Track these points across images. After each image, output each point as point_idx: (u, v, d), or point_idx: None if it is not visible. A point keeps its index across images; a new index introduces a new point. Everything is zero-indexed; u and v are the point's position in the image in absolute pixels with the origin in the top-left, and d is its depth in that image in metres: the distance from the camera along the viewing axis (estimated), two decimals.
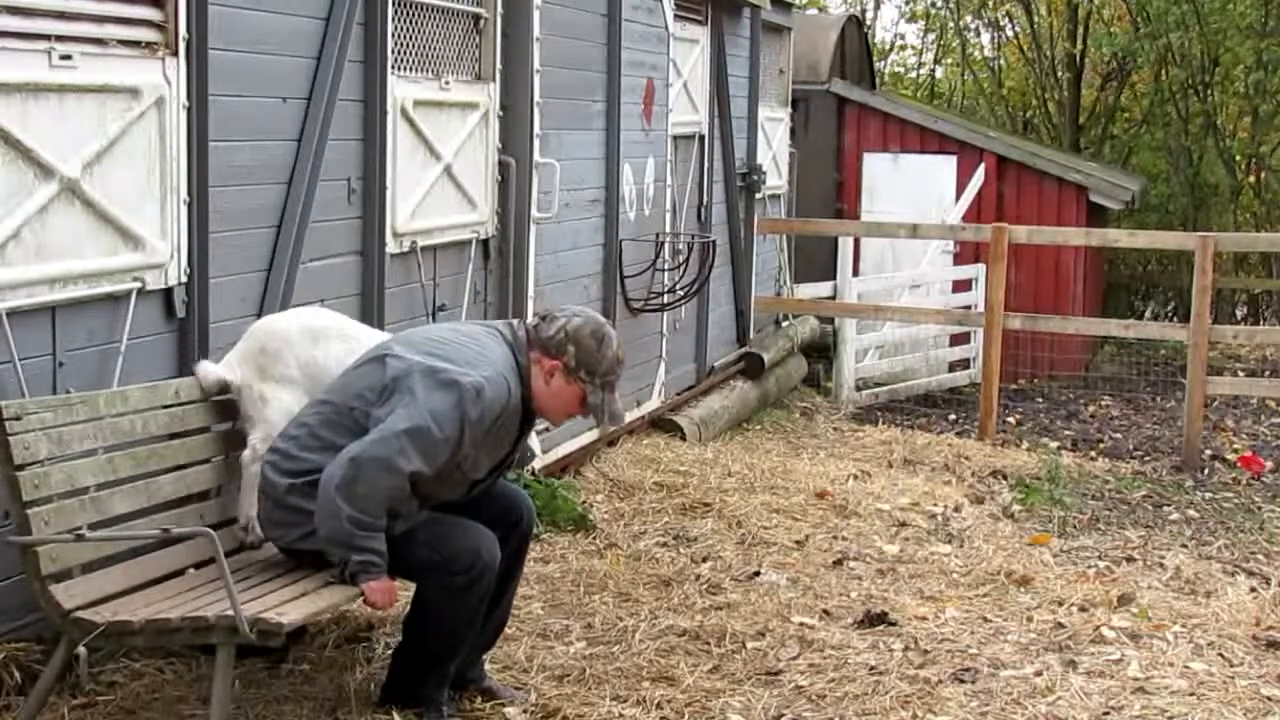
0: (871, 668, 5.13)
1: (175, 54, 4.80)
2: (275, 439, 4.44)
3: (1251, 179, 20.93)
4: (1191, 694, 5.01)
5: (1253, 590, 6.55)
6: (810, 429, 10.99)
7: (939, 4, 25.65)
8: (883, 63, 26.06)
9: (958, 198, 14.79)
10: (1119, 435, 11.52)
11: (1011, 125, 23.44)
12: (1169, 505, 8.60)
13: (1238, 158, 20.78)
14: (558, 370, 4.37)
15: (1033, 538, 7.45)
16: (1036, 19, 23.49)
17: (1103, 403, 13.03)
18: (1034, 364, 13.29)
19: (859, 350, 12.50)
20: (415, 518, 4.31)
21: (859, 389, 12.47)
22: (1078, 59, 22.38)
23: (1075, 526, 8.08)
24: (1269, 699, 4.99)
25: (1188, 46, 20.18)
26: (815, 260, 13.92)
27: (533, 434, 7.31)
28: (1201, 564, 7.03)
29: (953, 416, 12.15)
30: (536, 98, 7.29)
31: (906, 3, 26.35)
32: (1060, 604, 5.95)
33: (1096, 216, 15.15)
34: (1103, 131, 22.85)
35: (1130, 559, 7.27)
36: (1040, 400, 13.21)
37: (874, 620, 5.65)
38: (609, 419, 4.47)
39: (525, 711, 4.66)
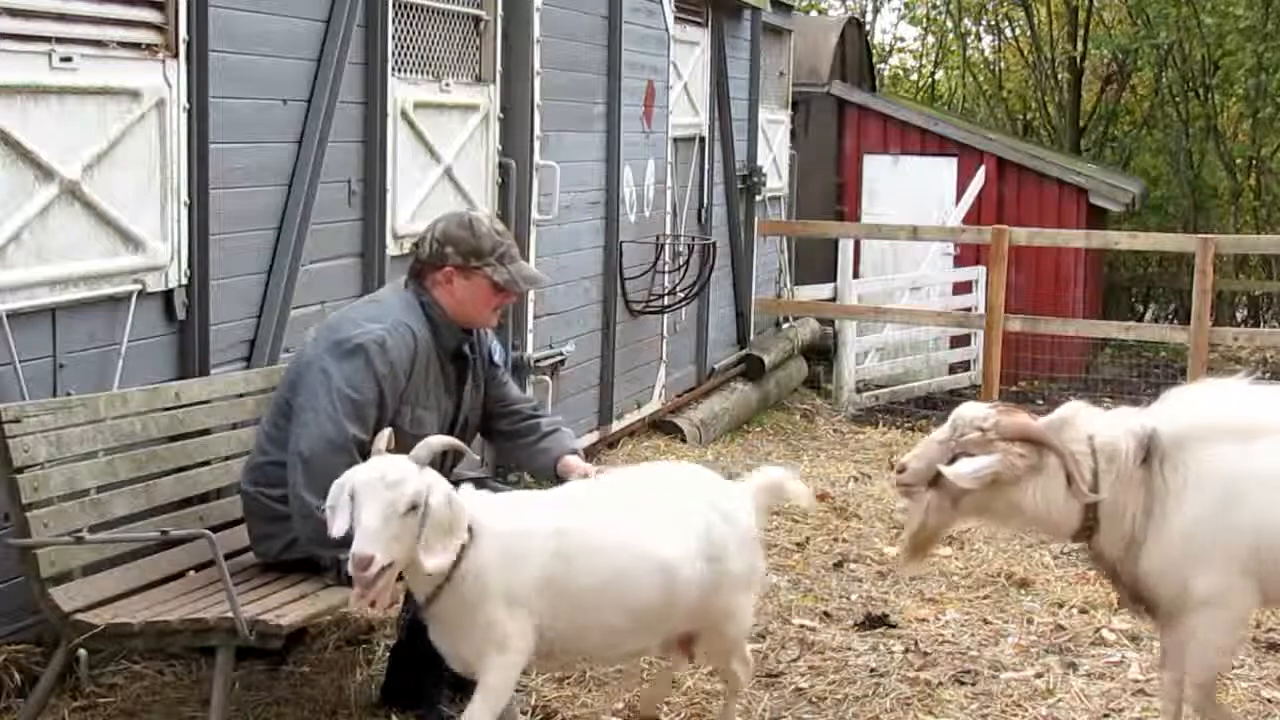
0: (872, 670, 5.13)
1: (175, 56, 4.80)
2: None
3: (1252, 181, 20.93)
4: None
5: None
6: (811, 431, 10.98)
7: (939, 5, 25.66)
8: (883, 65, 26.07)
9: (958, 200, 14.79)
10: None
11: (1011, 127, 23.44)
12: None
13: (1238, 160, 20.79)
14: (453, 275, 4.32)
15: None
16: (1036, 21, 23.50)
17: (1103, 405, 13.00)
18: (1034, 366, 13.28)
19: (859, 352, 12.50)
20: None
21: (859, 391, 12.47)
22: (1078, 61, 22.39)
23: None
24: (1269, 701, 4.99)
25: (1188, 49, 20.19)
26: (815, 262, 13.92)
27: None
28: None
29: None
30: (537, 100, 7.30)
31: (906, 6, 26.38)
32: (1061, 606, 5.95)
33: (1097, 218, 15.15)
34: (1103, 134, 22.87)
35: None
36: (1040, 402, 13.17)
37: (874, 622, 5.64)
38: (524, 283, 4.43)
39: (524, 712, 4.66)
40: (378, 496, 3.48)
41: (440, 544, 3.55)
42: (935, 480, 4.07)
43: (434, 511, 3.53)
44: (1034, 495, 4.04)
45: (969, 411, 4.11)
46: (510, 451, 4.77)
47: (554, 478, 4.55)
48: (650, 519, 3.94)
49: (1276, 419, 4.07)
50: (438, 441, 3.67)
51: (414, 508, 3.48)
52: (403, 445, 4.31)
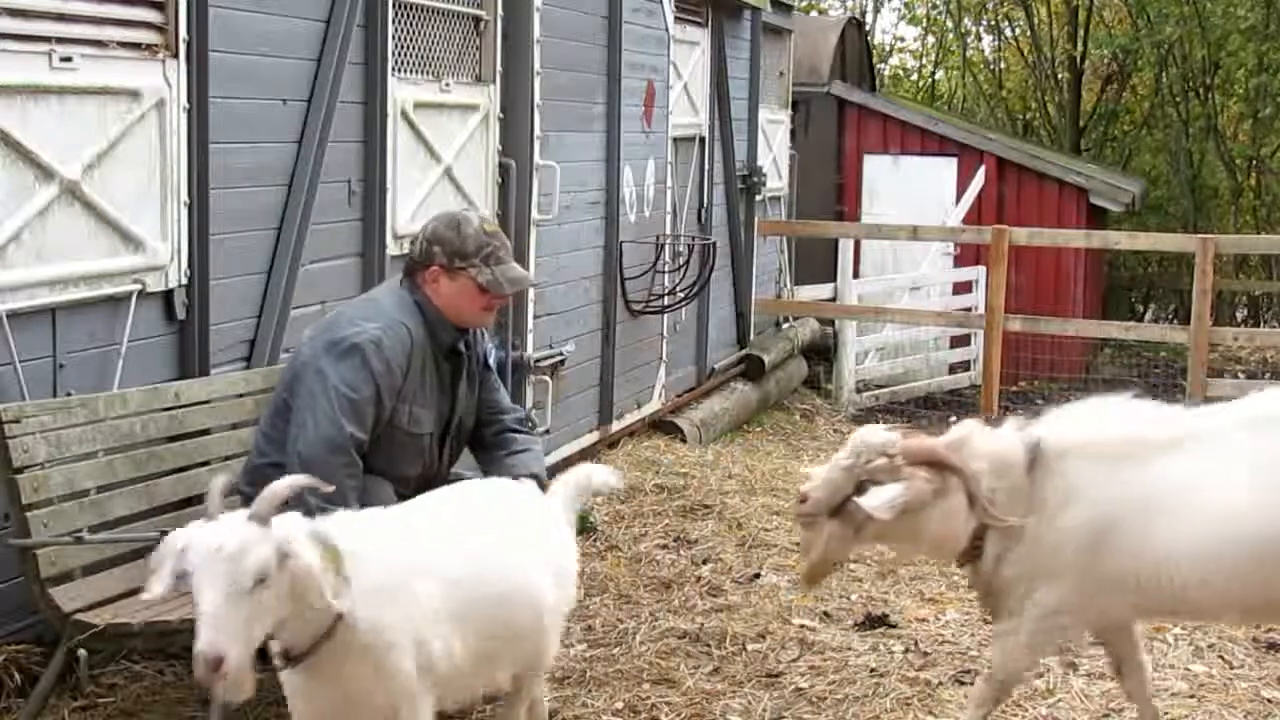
0: (872, 670, 5.13)
1: (175, 56, 4.80)
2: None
3: (1252, 181, 20.93)
4: (1192, 696, 5.01)
5: None
6: (811, 431, 10.98)
7: (939, 5, 25.66)
8: (883, 65, 26.07)
9: (958, 200, 14.79)
10: None
11: (1011, 127, 23.44)
12: None
13: (1238, 160, 20.79)
14: (439, 275, 4.33)
15: None
16: (1036, 21, 23.50)
17: None
18: (1034, 366, 13.28)
19: (859, 352, 12.50)
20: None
21: (859, 391, 12.47)
22: (1078, 61, 22.39)
23: None
24: (1269, 701, 4.99)
25: (1189, 48, 20.20)
26: (815, 262, 13.92)
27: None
28: None
29: (953, 418, 12.08)
30: (537, 100, 7.30)
31: (906, 6, 26.38)
32: None
33: (1097, 218, 15.15)
34: (1103, 133, 22.87)
35: None
36: (1040, 402, 13.16)
37: (874, 622, 5.64)
38: (508, 286, 4.38)
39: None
40: (217, 575, 2.95)
41: (317, 601, 3.07)
42: (838, 510, 3.99)
43: (300, 569, 3.04)
44: (937, 519, 3.98)
45: (872, 437, 4.02)
46: (477, 457, 4.75)
47: None
48: (511, 542, 3.72)
49: (1160, 439, 4.03)
50: (282, 487, 3.12)
51: (262, 580, 2.97)
52: (401, 444, 4.33)
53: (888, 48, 27.57)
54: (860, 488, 3.94)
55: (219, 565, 2.93)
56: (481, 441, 4.67)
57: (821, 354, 12.90)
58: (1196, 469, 3.95)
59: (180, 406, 4.61)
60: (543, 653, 3.86)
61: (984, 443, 4.06)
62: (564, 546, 3.96)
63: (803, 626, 5.62)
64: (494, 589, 3.57)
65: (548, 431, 7.61)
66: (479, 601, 3.49)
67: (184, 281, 4.92)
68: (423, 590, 3.34)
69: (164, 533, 4.14)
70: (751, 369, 11.19)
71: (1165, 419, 4.15)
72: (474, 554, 3.57)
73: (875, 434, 4.05)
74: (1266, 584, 3.91)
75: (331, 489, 3.37)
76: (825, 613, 5.82)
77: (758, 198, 11.44)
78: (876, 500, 3.88)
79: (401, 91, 6.18)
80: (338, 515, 3.37)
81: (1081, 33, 22.04)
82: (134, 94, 4.64)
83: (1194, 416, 4.18)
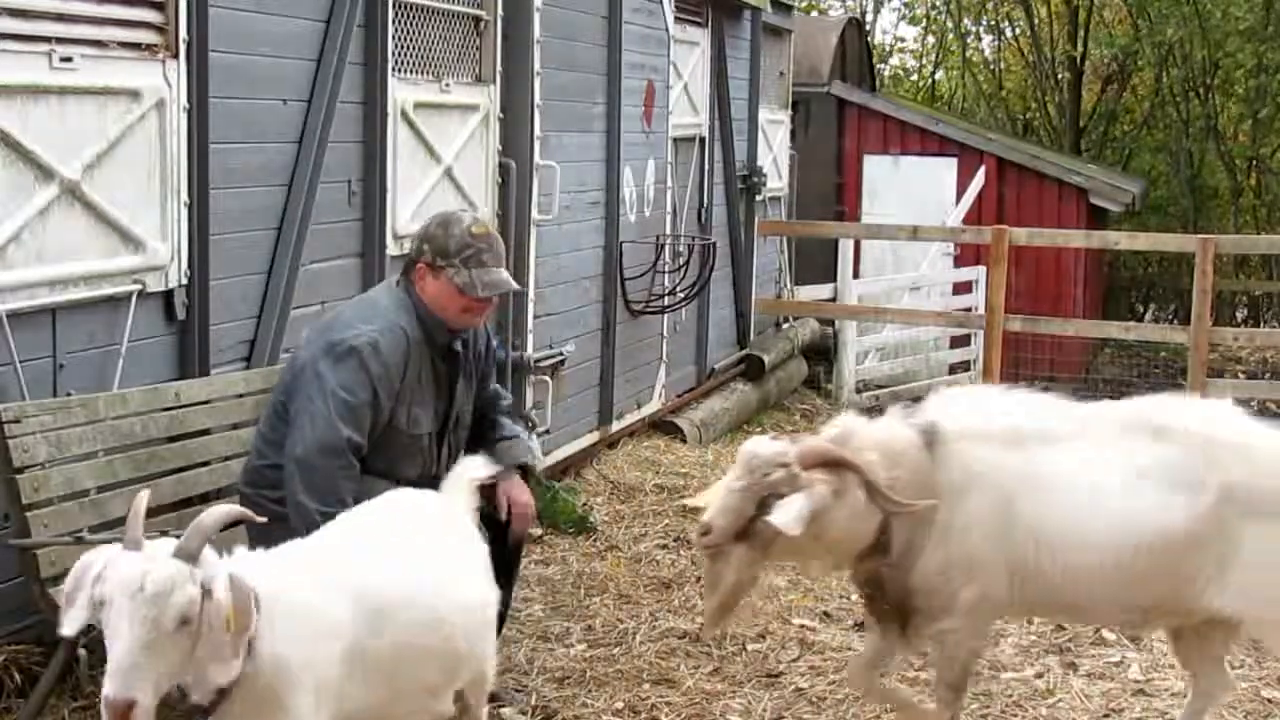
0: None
1: (176, 56, 4.80)
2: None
3: (1252, 181, 20.93)
4: None
5: None
6: (811, 431, 10.95)
7: (939, 5, 25.66)
8: (883, 65, 26.07)
9: (958, 200, 14.78)
10: None
11: (1011, 127, 23.44)
12: None
13: (1238, 160, 20.79)
14: (425, 272, 4.34)
15: None
16: (1036, 21, 23.50)
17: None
18: (1034, 366, 13.27)
19: (859, 352, 12.50)
20: None
21: (859, 391, 12.46)
22: (1078, 61, 22.39)
23: None
24: (1269, 701, 4.99)
25: (1189, 49, 20.19)
26: (815, 262, 13.91)
27: (533, 436, 7.37)
28: None
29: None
30: (537, 100, 7.30)
31: (906, 5, 26.38)
32: None
33: (1097, 219, 15.15)
34: (1103, 134, 22.86)
35: None
36: None
37: None
38: (483, 289, 4.32)
39: (523, 712, 4.66)
40: (136, 614, 2.70)
41: (231, 645, 2.82)
42: (742, 533, 3.84)
43: (216, 612, 2.79)
44: (842, 520, 3.88)
45: (762, 450, 3.89)
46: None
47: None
48: (426, 561, 3.49)
49: (1049, 427, 4.05)
50: (211, 521, 2.87)
51: (185, 622, 2.74)
52: (400, 445, 4.33)
53: (888, 48, 27.58)
54: (763, 505, 3.80)
55: (140, 605, 2.70)
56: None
57: (821, 354, 12.89)
58: (1074, 461, 3.98)
59: (180, 406, 4.61)
60: (481, 665, 3.68)
61: (871, 434, 4.00)
62: (474, 551, 3.76)
63: (803, 626, 5.62)
64: (415, 614, 3.33)
65: (548, 431, 7.62)
66: (400, 630, 3.27)
67: (184, 282, 4.92)
68: (333, 626, 3.10)
69: (164, 533, 4.17)
70: (751, 369, 11.19)
71: (1048, 410, 4.16)
72: (391, 579, 3.32)
73: (764, 446, 3.92)
74: (1129, 584, 3.94)
75: (264, 520, 3.26)
76: (825, 613, 5.82)
77: (758, 198, 11.44)
78: (786, 515, 3.73)
79: (401, 92, 6.18)
80: (248, 553, 3.14)
81: (1081, 33, 22.04)
82: (134, 94, 4.64)
83: (1075, 410, 4.19)
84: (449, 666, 3.49)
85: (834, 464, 3.86)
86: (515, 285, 4.47)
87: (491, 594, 3.74)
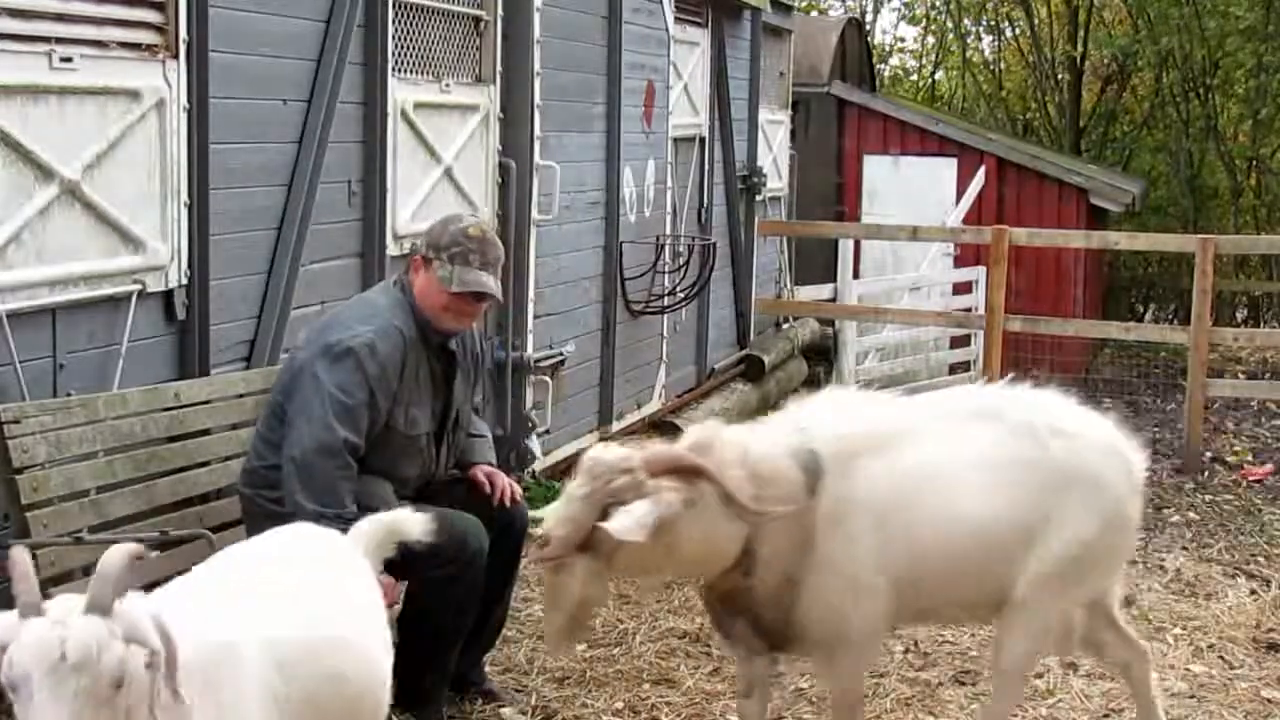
0: (872, 670, 5.12)
1: (176, 56, 4.80)
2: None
3: (1252, 181, 20.93)
4: (1192, 696, 5.02)
5: (1253, 593, 6.55)
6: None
7: (939, 6, 25.67)
8: (883, 65, 26.07)
9: (958, 200, 14.78)
10: None
11: (1011, 128, 23.44)
12: (1169, 508, 8.58)
13: (1238, 160, 20.79)
14: (419, 265, 4.38)
15: None
16: (1036, 21, 23.50)
17: (1103, 405, 13.02)
18: (1034, 366, 13.28)
19: (859, 352, 12.49)
20: (395, 508, 4.30)
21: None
22: (1078, 61, 22.39)
23: None
24: (1269, 701, 4.99)
25: (1189, 49, 20.19)
26: (815, 262, 13.91)
27: (533, 436, 7.37)
28: (1202, 566, 7.03)
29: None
30: (537, 100, 7.30)
31: (906, 5, 26.38)
32: None
33: (1097, 219, 15.15)
34: (1103, 134, 22.85)
35: (1131, 561, 7.26)
36: None
37: None
38: (459, 285, 4.30)
39: (523, 712, 4.66)
40: (65, 689, 2.31)
41: (173, 693, 2.47)
42: (584, 544, 3.58)
43: (150, 665, 2.45)
44: (694, 530, 3.63)
45: (605, 455, 3.65)
46: None
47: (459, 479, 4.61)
48: (330, 605, 3.13)
49: (905, 425, 3.99)
50: (114, 565, 2.51)
51: (119, 685, 2.37)
52: (399, 445, 4.33)
53: (888, 48, 27.56)
54: (605, 514, 3.54)
55: (67, 677, 2.31)
56: None
57: (821, 354, 12.89)
58: (928, 458, 3.92)
59: (180, 407, 4.61)
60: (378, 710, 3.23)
61: (737, 446, 3.77)
62: (370, 593, 3.34)
63: None
64: (324, 663, 2.99)
65: (548, 431, 7.62)
66: (307, 678, 2.92)
67: (184, 282, 4.92)
68: (238, 673, 2.77)
69: (164, 533, 4.18)
70: (751, 369, 11.19)
71: (894, 410, 4.11)
72: (298, 624, 2.97)
73: (608, 451, 3.69)
74: (979, 577, 3.94)
75: (155, 554, 3.11)
76: None
77: (758, 198, 11.44)
78: (624, 521, 3.48)
79: (401, 92, 6.18)
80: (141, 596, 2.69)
81: (1081, 33, 22.03)
82: (134, 94, 4.64)
83: (918, 407, 4.16)
84: (348, 709, 3.09)
85: (685, 471, 3.62)
86: (494, 289, 4.40)
87: (386, 638, 3.34)
